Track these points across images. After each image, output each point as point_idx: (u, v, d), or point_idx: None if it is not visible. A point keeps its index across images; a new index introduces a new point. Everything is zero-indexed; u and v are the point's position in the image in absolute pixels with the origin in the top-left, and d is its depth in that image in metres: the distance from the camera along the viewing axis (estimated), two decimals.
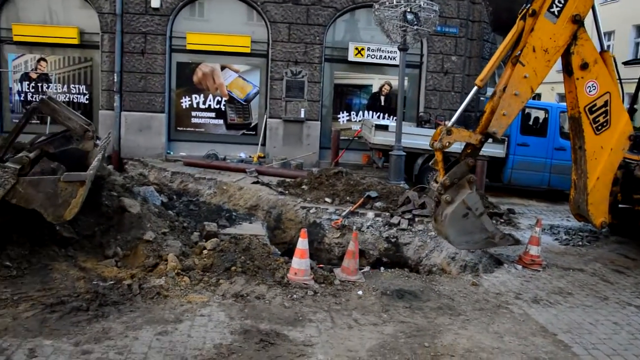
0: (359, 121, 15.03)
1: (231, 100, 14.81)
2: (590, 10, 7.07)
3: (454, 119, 7.12)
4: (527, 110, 12.48)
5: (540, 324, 5.52)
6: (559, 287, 6.68)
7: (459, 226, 6.77)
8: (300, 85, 14.49)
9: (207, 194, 11.14)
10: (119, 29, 13.86)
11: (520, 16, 6.90)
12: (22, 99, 14.48)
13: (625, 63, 12.30)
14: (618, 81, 7.52)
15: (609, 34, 25.17)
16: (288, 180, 11.20)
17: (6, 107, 14.60)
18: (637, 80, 9.38)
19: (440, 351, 4.73)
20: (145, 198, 8.23)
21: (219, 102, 14.78)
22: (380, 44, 14.28)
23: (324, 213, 9.28)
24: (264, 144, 14.70)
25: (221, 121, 14.87)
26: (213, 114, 14.82)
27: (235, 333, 4.76)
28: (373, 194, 9.56)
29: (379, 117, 15.03)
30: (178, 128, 14.84)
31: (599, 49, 7.36)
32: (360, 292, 6.01)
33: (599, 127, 7.41)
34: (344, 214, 9.08)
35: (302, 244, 6.18)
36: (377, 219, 9.01)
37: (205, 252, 6.56)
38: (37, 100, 7.02)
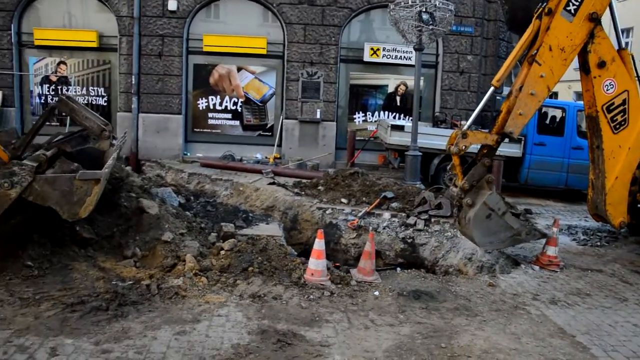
0: (375, 121, 15.00)
1: (247, 101, 14.88)
2: (607, 7, 7.01)
3: (470, 121, 7.09)
4: (543, 109, 12.35)
5: (558, 325, 5.48)
6: (577, 288, 6.62)
7: (484, 228, 6.76)
8: (316, 86, 14.52)
9: (223, 195, 11.20)
10: (137, 31, 14.03)
11: (536, 15, 6.85)
12: (42, 101, 14.73)
13: None
14: (636, 79, 7.43)
15: (627, 31, 24.75)
16: (304, 181, 11.21)
17: (27, 110, 14.89)
18: None
19: (457, 352, 4.72)
20: (163, 199, 8.32)
21: (235, 104, 14.86)
22: (395, 44, 14.23)
23: (340, 214, 9.28)
24: (280, 145, 14.76)
25: (237, 122, 14.94)
26: (229, 115, 14.91)
27: (253, 333, 4.80)
28: (389, 194, 9.54)
29: (394, 117, 15.00)
30: (195, 129, 14.96)
31: (616, 47, 7.28)
32: (376, 293, 6.02)
33: (617, 126, 7.33)
34: (360, 214, 9.08)
35: (319, 244, 6.22)
36: (393, 219, 8.99)
37: (222, 252, 6.61)
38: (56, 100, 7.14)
